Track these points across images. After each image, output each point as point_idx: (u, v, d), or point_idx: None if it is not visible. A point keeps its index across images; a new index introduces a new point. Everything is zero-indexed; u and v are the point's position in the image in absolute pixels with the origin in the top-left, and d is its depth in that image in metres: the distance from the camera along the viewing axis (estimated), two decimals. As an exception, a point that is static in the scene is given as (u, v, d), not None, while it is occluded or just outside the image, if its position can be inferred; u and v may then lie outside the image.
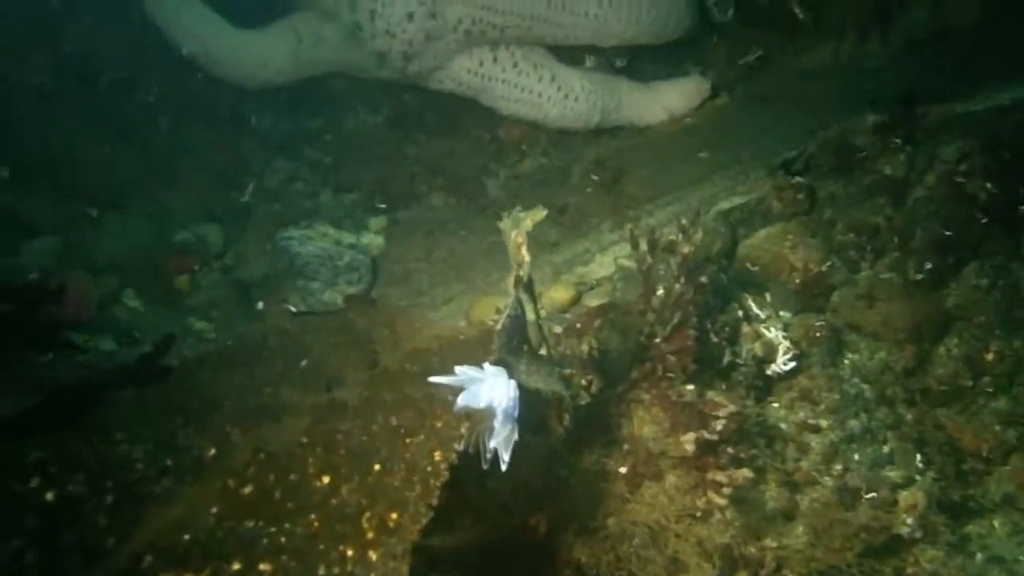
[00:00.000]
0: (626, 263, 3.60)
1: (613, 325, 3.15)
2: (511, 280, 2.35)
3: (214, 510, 2.00)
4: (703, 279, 2.98)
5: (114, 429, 2.30)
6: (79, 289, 4.07)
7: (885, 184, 3.83)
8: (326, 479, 2.06)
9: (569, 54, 4.51)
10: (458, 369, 2.07)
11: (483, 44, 4.24)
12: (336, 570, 1.88)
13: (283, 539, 1.94)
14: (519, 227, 2.39)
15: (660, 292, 2.93)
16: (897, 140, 3.84)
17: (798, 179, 3.85)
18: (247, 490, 2.08)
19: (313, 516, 1.98)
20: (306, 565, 1.89)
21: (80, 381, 3.02)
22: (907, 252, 3.63)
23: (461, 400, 2.03)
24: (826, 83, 4.74)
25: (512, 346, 2.31)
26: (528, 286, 2.41)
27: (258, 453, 2.16)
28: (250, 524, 1.97)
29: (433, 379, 2.10)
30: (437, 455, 1.96)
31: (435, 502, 1.89)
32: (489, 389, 2.05)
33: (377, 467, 2.03)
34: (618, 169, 4.26)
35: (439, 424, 2.07)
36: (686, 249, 2.89)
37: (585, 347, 2.97)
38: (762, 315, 3.48)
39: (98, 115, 4.80)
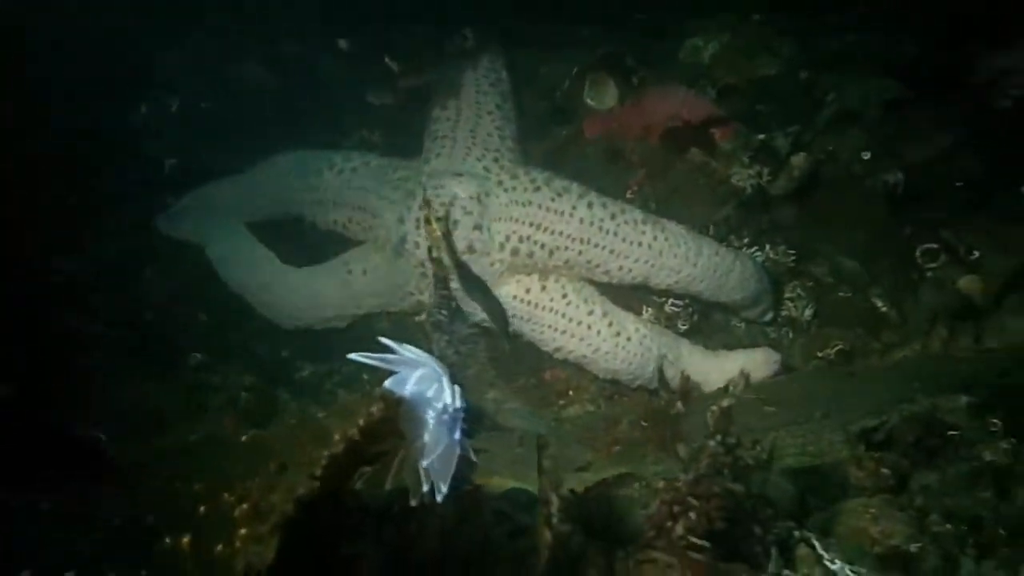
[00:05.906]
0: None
1: (631, 496, 2.73)
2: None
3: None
4: (746, 458, 2.54)
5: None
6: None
7: (987, 472, 3.26)
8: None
9: (625, 303, 4.26)
10: (384, 342, 1.68)
11: (532, 271, 4.04)
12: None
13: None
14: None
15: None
16: (996, 422, 3.40)
17: (881, 453, 3.33)
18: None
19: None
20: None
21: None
22: (1020, 550, 2.95)
23: (387, 384, 1.59)
24: (914, 366, 4.34)
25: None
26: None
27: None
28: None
29: (352, 355, 1.76)
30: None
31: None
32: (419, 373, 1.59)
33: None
34: (672, 416, 3.80)
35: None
36: (725, 403, 2.51)
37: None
38: (827, 555, 2.83)
39: (136, 352, 4.66)
